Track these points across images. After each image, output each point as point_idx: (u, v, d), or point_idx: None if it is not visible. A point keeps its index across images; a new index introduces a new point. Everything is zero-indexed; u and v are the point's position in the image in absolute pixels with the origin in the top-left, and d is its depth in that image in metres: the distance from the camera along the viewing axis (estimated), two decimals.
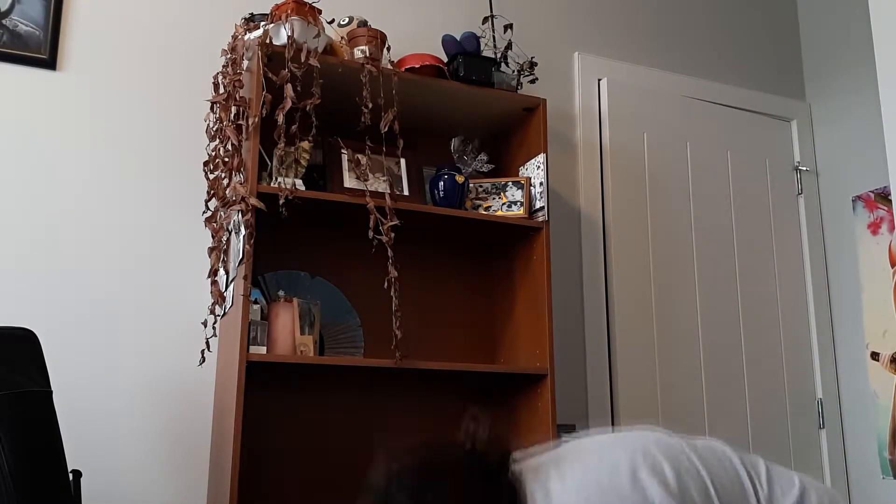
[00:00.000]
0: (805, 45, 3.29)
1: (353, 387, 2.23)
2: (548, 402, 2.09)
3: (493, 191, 2.28)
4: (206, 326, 2.00)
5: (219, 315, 2.02)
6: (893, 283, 2.78)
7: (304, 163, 2.03)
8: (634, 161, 2.78)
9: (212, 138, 2.04)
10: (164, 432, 2.06)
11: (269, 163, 1.99)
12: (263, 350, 1.92)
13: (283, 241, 2.21)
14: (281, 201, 1.89)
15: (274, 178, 1.98)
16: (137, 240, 2.14)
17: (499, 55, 2.36)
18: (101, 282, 2.09)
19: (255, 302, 1.96)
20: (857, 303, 2.91)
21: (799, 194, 3.09)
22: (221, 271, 2.00)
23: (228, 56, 2.04)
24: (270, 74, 1.91)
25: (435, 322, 2.37)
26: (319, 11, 2.06)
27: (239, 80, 1.96)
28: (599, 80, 2.81)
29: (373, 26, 2.19)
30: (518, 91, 2.31)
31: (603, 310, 2.61)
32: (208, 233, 2.02)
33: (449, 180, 2.21)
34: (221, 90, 2.03)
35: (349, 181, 2.13)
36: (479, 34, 2.33)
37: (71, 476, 1.55)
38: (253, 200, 1.85)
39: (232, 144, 1.94)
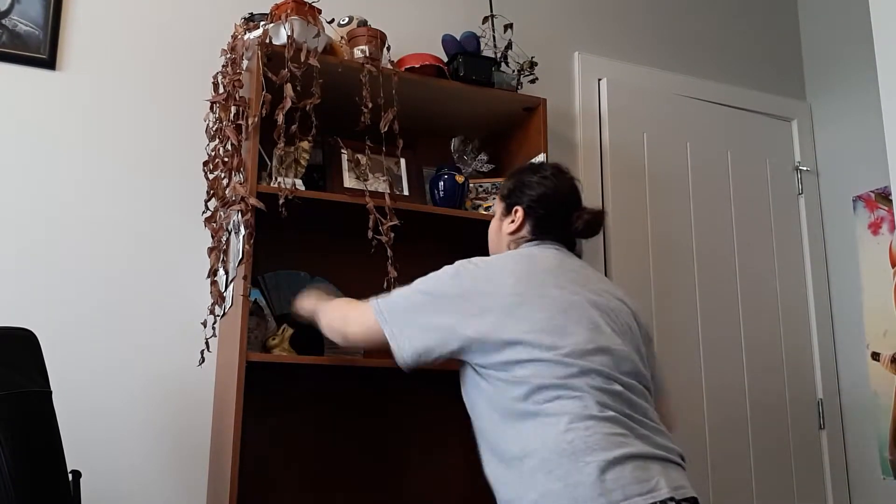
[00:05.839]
0: (805, 45, 3.29)
1: (353, 387, 2.23)
2: None
3: (493, 191, 2.28)
4: (205, 326, 2.00)
5: (218, 315, 2.02)
6: (894, 283, 2.78)
7: (303, 163, 2.03)
8: (634, 161, 2.77)
9: (211, 138, 2.04)
10: (164, 432, 2.06)
11: (269, 163, 1.99)
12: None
13: (283, 241, 2.20)
14: (281, 201, 1.89)
15: (274, 178, 1.98)
16: (137, 240, 2.14)
17: (499, 55, 2.35)
18: (100, 282, 2.09)
19: (256, 302, 1.96)
20: (858, 303, 2.91)
21: (799, 194, 3.09)
22: (221, 271, 2.00)
23: (228, 56, 2.04)
24: (270, 74, 1.91)
25: None
26: (319, 11, 2.06)
27: (239, 80, 1.96)
28: (599, 79, 2.81)
29: (373, 26, 2.19)
30: (518, 91, 2.31)
31: None
32: (208, 233, 2.02)
33: (449, 180, 2.21)
34: (221, 90, 2.03)
35: (349, 181, 2.13)
36: (479, 34, 2.33)
37: (71, 476, 1.55)
38: (253, 200, 1.85)
39: (232, 144, 1.94)
